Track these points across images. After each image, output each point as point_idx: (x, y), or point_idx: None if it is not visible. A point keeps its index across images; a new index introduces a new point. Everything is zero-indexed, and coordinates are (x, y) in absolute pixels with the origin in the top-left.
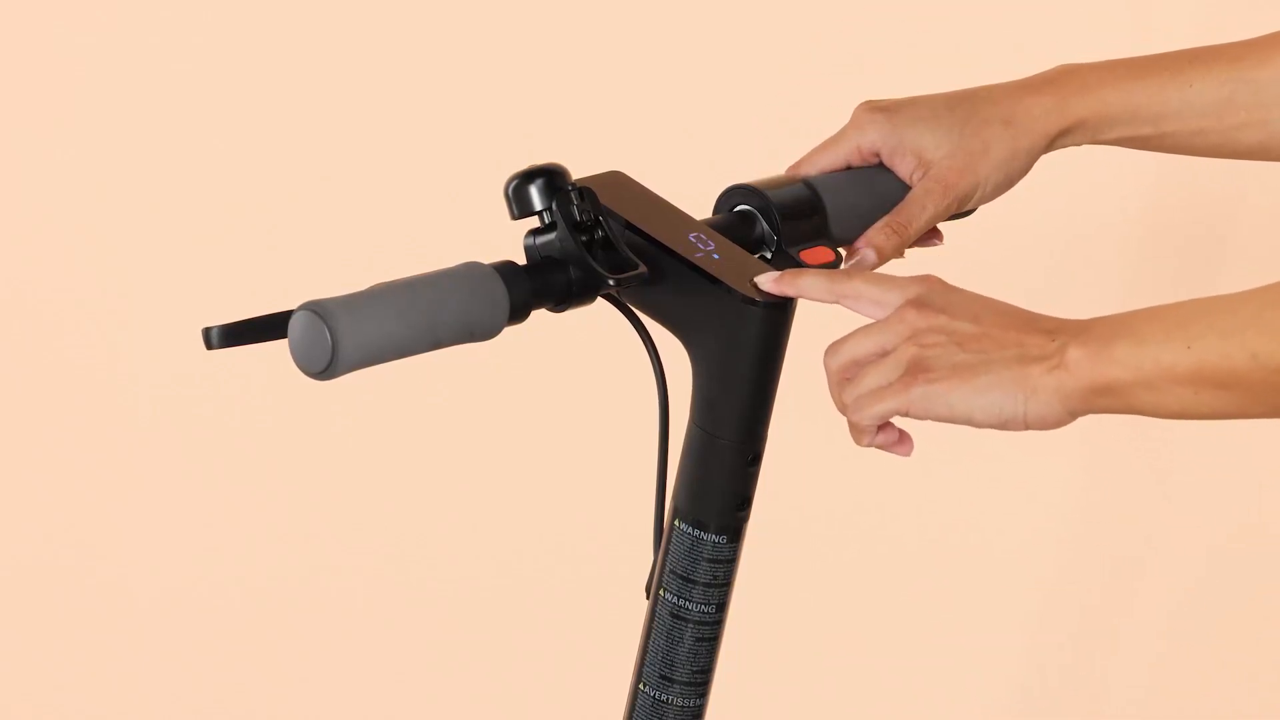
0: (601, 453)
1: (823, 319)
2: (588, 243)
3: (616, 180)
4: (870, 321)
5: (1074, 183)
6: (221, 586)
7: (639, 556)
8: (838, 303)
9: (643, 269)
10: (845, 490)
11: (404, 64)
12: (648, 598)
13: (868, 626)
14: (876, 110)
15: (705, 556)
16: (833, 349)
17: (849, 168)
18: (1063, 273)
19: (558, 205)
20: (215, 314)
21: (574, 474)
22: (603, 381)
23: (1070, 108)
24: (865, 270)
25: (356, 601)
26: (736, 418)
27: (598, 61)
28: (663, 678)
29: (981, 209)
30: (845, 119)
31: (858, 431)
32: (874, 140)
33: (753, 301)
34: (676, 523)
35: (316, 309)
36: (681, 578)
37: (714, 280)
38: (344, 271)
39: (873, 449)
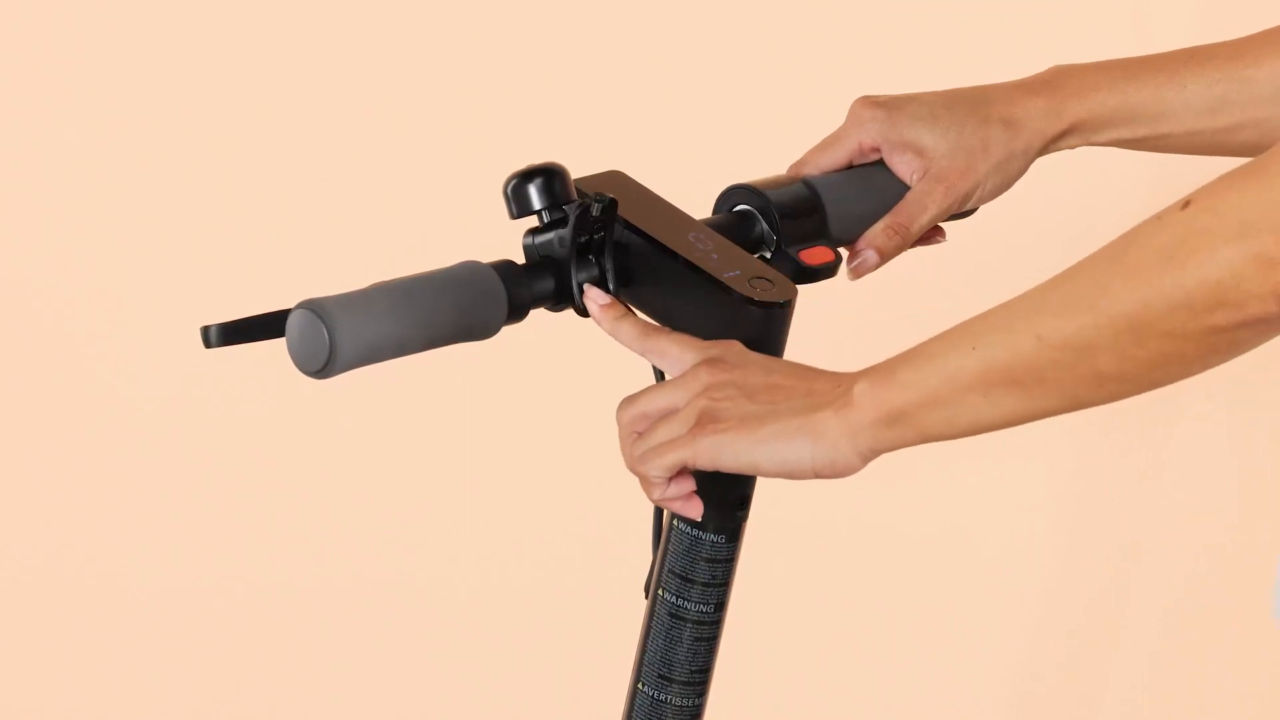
0: (601, 452)
1: (822, 320)
2: (587, 244)
3: (616, 180)
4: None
5: (1073, 183)
6: (221, 586)
7: (638, 556)
8: (645, 357)
9: None
10: (844, 491)
11: (404, 64)
12: (646, 597)
13: (866, 627)
14: (875, 105)
15: (704, 556)
16: (625, 404)
17: (850, 166)
18: None
19: (575, 214)
20: (214, 312)
21: (573, 474)
22: (602, 381)
23: (1067, 110)
24: (671, 336)
25: (356, 601)
26: None
27: (598, 61)
28: (661, 677)
29: (981, 209)
30: (844, 118)
31: (647, 485)
32: (874, 135)
33: (752, 301)
34: (675, 522)
35: (314, 308)
36: (680, 577)
37: (713, 280)
38: (342, 270)
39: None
